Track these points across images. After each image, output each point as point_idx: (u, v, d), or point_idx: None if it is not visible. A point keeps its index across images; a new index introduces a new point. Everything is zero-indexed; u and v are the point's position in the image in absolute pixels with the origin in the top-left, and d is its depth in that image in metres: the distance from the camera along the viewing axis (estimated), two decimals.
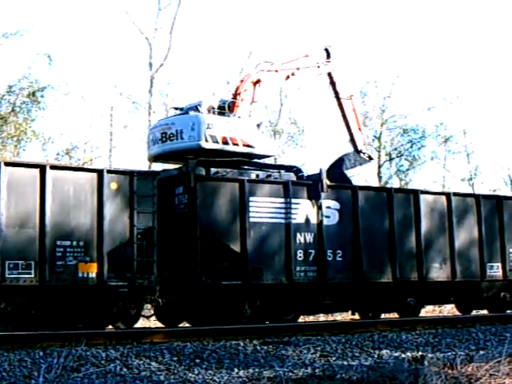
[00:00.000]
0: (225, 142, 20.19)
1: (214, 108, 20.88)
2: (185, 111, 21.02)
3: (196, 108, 20.81)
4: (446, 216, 21.64)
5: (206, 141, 19.91)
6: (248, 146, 20.67)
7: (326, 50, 23.79)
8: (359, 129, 24.33)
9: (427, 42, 71.14)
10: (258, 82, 21.76)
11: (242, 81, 21.88)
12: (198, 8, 61.83)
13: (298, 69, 22.88)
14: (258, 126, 21.79)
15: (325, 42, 24.23)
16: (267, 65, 22.39)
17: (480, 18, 75.67)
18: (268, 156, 21.83)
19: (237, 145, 20.47)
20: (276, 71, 22.28)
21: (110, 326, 17.16)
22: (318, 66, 23.53)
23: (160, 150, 20.53)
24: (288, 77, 22.76)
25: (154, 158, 21.61)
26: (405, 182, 49.35)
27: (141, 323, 19.56)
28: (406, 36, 71.31)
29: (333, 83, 23.99)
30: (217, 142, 20.06)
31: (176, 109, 22.03)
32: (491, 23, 75.33)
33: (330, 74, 23.92)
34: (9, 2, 58.30)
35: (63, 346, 12.61)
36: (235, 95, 21.40)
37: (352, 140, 24.25)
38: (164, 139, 20.32)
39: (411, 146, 49.29)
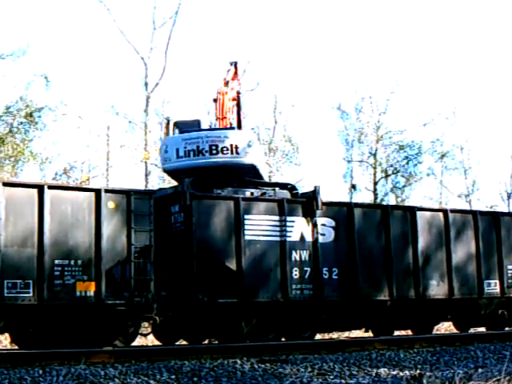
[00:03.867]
0: (257, 163, 20.51)
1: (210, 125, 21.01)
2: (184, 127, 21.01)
3: (198, 124, 20.89)
4: (444, 233, 21.61)
5: (256, 160, 20.10)
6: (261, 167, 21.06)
7: (235, 66, 23.11)
8: None
9: (422, 57, 71.42)
10: (234, 99, 21.78)
11: (222, 99, 21.39)
12: (192, 26, 62.04)
13: (239, 84, 22.80)
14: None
15: (232, 57, 23.84)
16: (223, 82, 22.02)
17: (475, 34, 76.04)
18: (264, 179, 21.97)
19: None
20: (232, 89, 22.22)
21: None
22: (239, 83, 23.20)
23: (209, 163, 19.94)
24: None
25: (192, 171, 20.05)
26: (401, 199, 49.40)
27: (138, 341, 19.55)
28: (401, 52, 71.62)
29: (238, 100, 23.04)
30: (259, 162, 20.33)
31: (168, 121, 21.75)
32: (486, 39, 75.69)
33: (238, 92, 23.11)
34: (4, 24, 58.59)
35: (62, 364, 12.67)
36: (222, 114, 21.27)
37: None
38: (215, 152, 19.91)
39: (407, 163, 49.36)
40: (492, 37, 76.14)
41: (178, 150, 20.23)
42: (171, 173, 21.32)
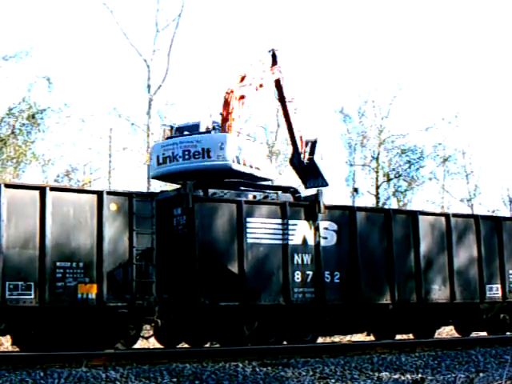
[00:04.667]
0: (244, 164, 20.36)
1: (209, 128, 20.95)
2: (179, 130, 21.05)
3: (197, 127, 20.88)
4: (446, 237, 21.62)
5: (233, 161, 20.02)
6: (257, 168, 20.83)
7: (273, 54, 23.44)
8: (299, 131, 24.10)
9: (425, 62, 71.49)
10: (242, 97, 21.78)
11: (226, 98, 21.49)
12: (195, 29, 62.08)
13: (262, 78, 22.79)
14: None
15: (271, 45, 23.95)
16: (239, 78, 22.18)
17: (477, 38, 76.09)
18: (269, 179, 21.91)
19: (251, 167, 20.63)
20: (250, 84, 22.25)
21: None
22: (273, 73, 23.32)
23: (182, 168, 20.27)
24: (257, 88, 22.65)
25: (170, 177, 21.10)
26: (403, 203, 49.34)
27: (140, 344, 19.53)
28: (404, 56, 71.68)
29: (280, 86, 23.62)
30: (239, 163, 20.21)
31: (171, 128, 21.87)
32: (488, 44, 75.72)
33: (277, 79, 23.55)
34: (8, 25, 58.67)
35: (63, 366, 12.66)
36: (226, 115, 21.32)
37: (294, 142, 24.00)
38: (187, 157, 20.14)
39: (409, 167, 49.29)
40: (494, 41, 76.22)
41: (158, 157, 20.83)
42: (156, 179, 22.17)
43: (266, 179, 21.66)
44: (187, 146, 20.24)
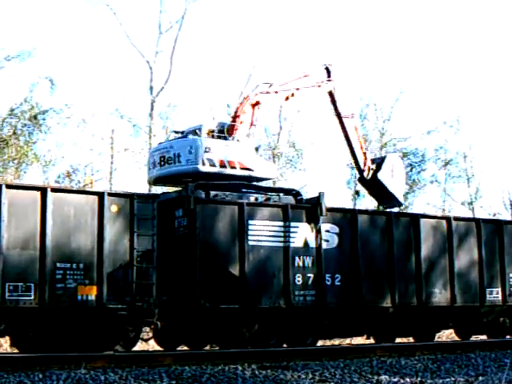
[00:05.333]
0: (222, 166, 20.23)
1: (213, 131, 20.94)
2: (184, 135, 21.12)
3: (195, 132, 20.90)
4: (447, 241, 21.61)
5: (203, 164, 19.96)
6: (246, 168, 20.70)
7: (327, 68, 23.76)
8: (361, 147, 24.23)
9: (427, 65, 71.41)
10: (257, 104, 21.77)
11: (241, 103, 21.85)
12: (198, 31, 62.11)
13: (297, 89, 22.84)
14: (257, 149, 21.84)
15: (325, 60, 24.11)
16: (266, 86, 22.38)
17: (479, 42, 76.10)
18: (267, 179, 21.87)
19: (234, 168, 20.46)
20: (276, 92, 22.29)
21: None
22: (319, 86, 23.48)
23: (159, 174, 20.63)
24: (287, 98, 22.69)
25: (154, 181, 21.57)
26: (404, 206, 49.28)
27: (139, 346, 19.51)
28: (406, 59, 71.63)
29: (334, 102, 23.92)
30: (214, 166, 20.10)
31: (177, 132, 22.03)
32: (490, 47, 75.73)
33: (331, 93, 23.84)
34: (10, 25, 58.71)
35: (62, 368, 12.65)
36: (234, 118, 21.44)
37: (355, 159, 24.15)
38: (162, 163, 20.43)
39: (411, 170, 49.27)
40: (497, 45, 76.20)
41: (148, 163, 21.43)
42: (149, 183, 22.54)
43: (263, 179, 21.56)
44: (163, 152, 20.59)
